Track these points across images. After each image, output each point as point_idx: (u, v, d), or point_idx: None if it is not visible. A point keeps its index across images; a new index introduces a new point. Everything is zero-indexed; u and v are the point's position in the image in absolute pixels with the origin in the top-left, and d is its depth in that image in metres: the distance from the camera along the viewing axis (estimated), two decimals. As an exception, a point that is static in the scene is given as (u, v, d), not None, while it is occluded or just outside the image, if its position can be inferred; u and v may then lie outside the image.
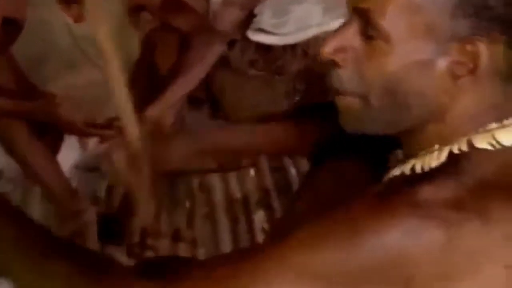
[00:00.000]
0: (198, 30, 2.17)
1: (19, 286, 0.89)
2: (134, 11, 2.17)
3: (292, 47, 2.27)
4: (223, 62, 2.21)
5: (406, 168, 0.87)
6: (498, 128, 0.86)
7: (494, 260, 0.79)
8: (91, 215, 2.06)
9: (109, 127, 2.00)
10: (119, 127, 1.23)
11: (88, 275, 0.85)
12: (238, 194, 2.17)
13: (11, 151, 2.06)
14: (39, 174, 2.05)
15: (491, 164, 0.83)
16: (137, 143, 1.11)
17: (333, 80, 0.91)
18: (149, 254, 1.88)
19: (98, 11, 1.28)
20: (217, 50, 2.17)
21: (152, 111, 2.03)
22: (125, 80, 1.18)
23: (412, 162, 0.88)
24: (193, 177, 2.22)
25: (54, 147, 2.11)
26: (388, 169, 0.92)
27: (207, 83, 2.24)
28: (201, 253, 2.07)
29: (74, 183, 2.13)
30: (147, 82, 2.21)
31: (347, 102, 0.91)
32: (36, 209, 2.09)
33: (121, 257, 1.84)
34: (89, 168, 2.23)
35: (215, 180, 2.23)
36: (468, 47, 0.84)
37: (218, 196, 2.16)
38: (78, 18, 2.10)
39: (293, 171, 2.27)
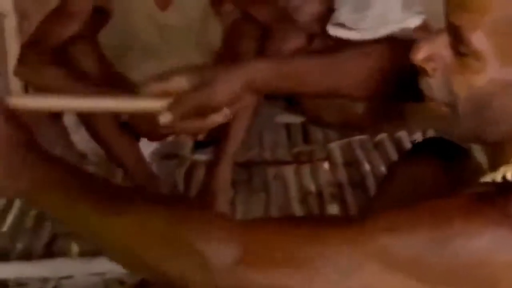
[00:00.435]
0: (278, 22, 2.18)
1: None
2: (218, 2, 2.21)
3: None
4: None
5: (497, 176, 0.88)
6: None
7: None
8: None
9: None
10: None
11: None
12: (312, 187, 2.18)
13: (95, 135, 2.09)
14: (121, 158, 2.09)
15: None
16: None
17: (423, 87, 0.92)
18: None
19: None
20: (296, 42, 2.18)
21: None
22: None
23: (503, 169, 0.88)
24: (268, 169, 2.25)
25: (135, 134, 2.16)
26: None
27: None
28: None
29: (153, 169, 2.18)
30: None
31: (437, 109, 0.92)
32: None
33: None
34: (168, 155, 2.28)
35: (289, 172, 2.25)
36: None
37: (293, 188, 2.18)
38: (164, 6, 2.15)
39: (367, 166, 2.28)
